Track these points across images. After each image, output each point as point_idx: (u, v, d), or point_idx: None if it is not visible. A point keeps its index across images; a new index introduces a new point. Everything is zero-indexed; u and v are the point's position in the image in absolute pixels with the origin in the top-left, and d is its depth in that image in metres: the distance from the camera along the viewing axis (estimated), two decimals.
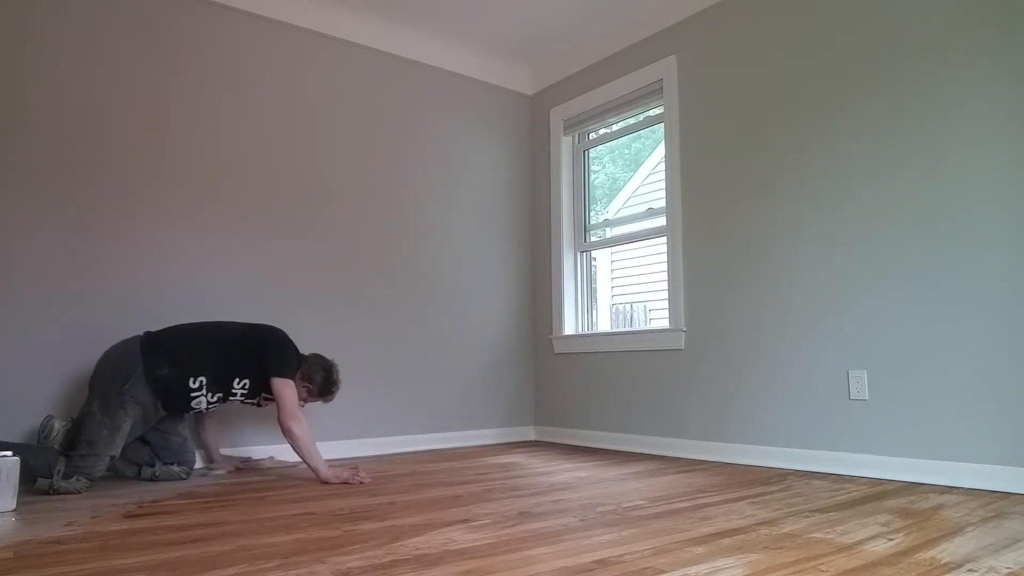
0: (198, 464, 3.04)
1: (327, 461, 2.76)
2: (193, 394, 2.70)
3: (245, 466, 3.10)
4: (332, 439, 3.54)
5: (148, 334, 2.73)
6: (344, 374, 3.60)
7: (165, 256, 3.16)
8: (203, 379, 2.70)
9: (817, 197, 3.03)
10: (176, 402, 2.70)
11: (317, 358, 2.96)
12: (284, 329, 2.98)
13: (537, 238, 4.52)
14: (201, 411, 2.81)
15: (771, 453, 3.11)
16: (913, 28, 2.76)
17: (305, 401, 2.93)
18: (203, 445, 3.09)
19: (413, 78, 4.06)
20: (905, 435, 2.69)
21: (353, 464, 3.03)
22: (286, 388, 2.73)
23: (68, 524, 1.98)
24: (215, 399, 2.76)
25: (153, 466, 2.75)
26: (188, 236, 3.23)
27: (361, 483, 2.66)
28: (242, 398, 2.83)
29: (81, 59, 3.03)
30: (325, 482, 2.67)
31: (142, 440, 2.74)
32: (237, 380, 2.77)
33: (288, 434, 2.68)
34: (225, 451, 3.18)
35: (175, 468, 2.78)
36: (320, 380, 2.92)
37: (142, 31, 3.19)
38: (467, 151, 4.26)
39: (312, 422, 3.46)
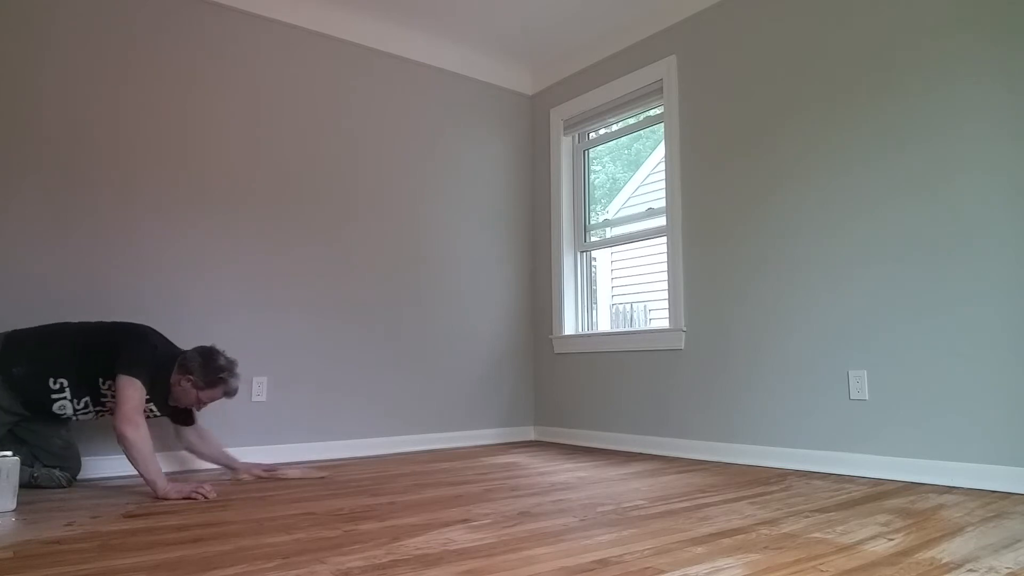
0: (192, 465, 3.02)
1: (325, 462, 2.75)
2: (55, 396, 2.50)
3: (269, 475, 2.86)
4: (331, 439, 3.54)
5: (8, 332, 2.54)
6: (344, 374, 3.62)
7: (161, 258, 3.16)
8: (64, 380, 2.50)
9: (817, 197, 3.03)
10: (37, 404, 2.50)
11: (196, 348, 2.67)
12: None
13: (537, 238, 4.52)
14: (69, 417, 2.58)
15: (771, 453, 3.10)
16: (916, 29, 2.76)
17: (200, 400, 2.65)
18: (211, 461, 2.92)
19: (413, 78, 4.06)
20: (905, 435, 2.69)
21: (201, 480, 2.67)
22: (129, 387, 2.44)
23: (68, 524, 1.97)
24: (83, 404, 2.55)
25: (31, 466, 2.54)
26: (186, 238, 3.23)
27: (204, 498, 2.36)
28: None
29: (92, 65, 3.03)
30: (164, 497, 2.35)
31: (16, 438, 2.54)
32: (102, 381, 2.53)
33: (121, 440, 2.37)
34: (248, 461, 2.99)
35: (56, 473, 2.59)
36: (198, 366, 2.59)
37: (148, 36, 3.19)
38: (467, 151, 4.26)
39: (313, 422, 3.48)
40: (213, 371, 2.60)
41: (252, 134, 3.45)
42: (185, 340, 3.04)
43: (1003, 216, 2.48)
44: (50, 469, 2.59)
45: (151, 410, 2.64)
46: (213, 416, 3.18)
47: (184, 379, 2.60)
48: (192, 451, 2.89)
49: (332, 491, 2.52)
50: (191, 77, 3.30)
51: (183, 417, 2.82)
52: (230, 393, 2.68)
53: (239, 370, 2.71)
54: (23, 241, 2.86)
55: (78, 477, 2.71)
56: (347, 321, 3.68)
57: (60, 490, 2.56)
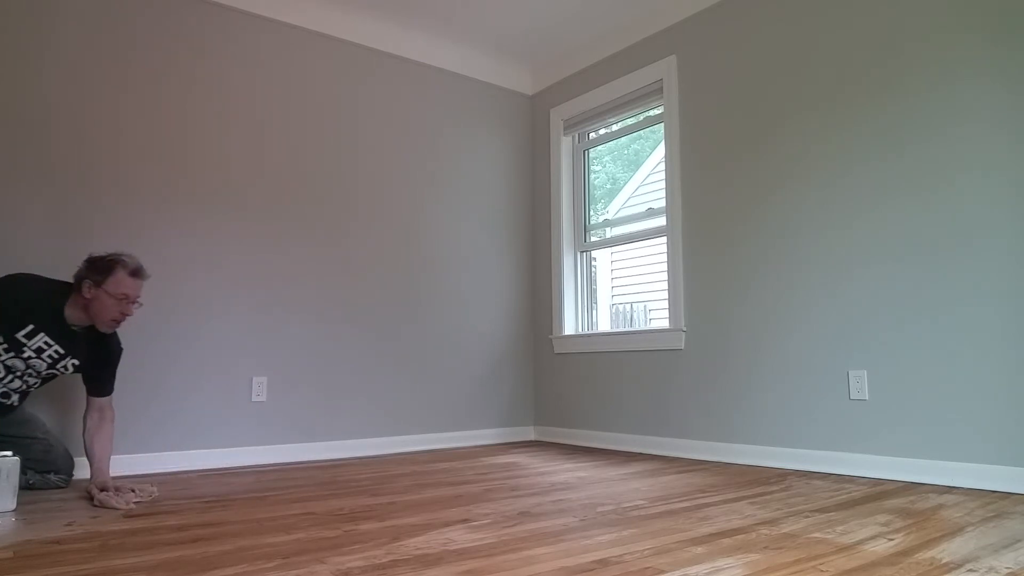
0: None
1: (325, 461, 2.73)
2: None
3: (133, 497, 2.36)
4: (331, 439, 3.54)
5: None
6: (344, 374, 3.62)
7: (160, 258, 3.16)
8: None
9: (817, 197, 3.03)
10: None
11: None
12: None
13: (537, 238, 4.52)
14: (12, 404, 2.46)
15: (771, 453, 3.10)
16: (916, 30, 2.76)
17: (112, 296, 2.37)
18: (87, 456, 2.51)
19: (413, 78, 4.06)
20: (905, 435, 2.69)
21: (144, 482, 2.54)
22: None
23: (68, 524, 1.98)
24: (8, 377, 2.36)
25: (24, 474, 2.42)
26: (186, 238, 3.23)
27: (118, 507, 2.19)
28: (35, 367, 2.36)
29: (92, 65, 3.03)
30: None
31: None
32: None
33: None
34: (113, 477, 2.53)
35: (52, 477, 2.56)
36: (86, 267, 2.39)
37: (149, 36, 3.19)
38: (467, 151, 4.26)
39: (313, 422, 3.48)
40: (100, 259, 2.40)
41: (252, 134, 3.45)
42: (184, 340, 3.05)
43: (1003, 216, 2.48)
44: (44, 475, 2.56)
45: (57, 356, 2.42)
46: (214, 416, 3.18)
47: (85, 290, 2.37)
48: (84, 434, 2.51)
49: (332, 491, 2.52)
50: (191, 77, 3.30)
51: (96, 385, 2.53)
52: (137, 272, 2.42)
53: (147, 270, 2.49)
54: (23, 241, 2.86)
55: (75, 476, 2.70)
56: (347, 321, 3.68)
57: (60, 490, 2.55)
